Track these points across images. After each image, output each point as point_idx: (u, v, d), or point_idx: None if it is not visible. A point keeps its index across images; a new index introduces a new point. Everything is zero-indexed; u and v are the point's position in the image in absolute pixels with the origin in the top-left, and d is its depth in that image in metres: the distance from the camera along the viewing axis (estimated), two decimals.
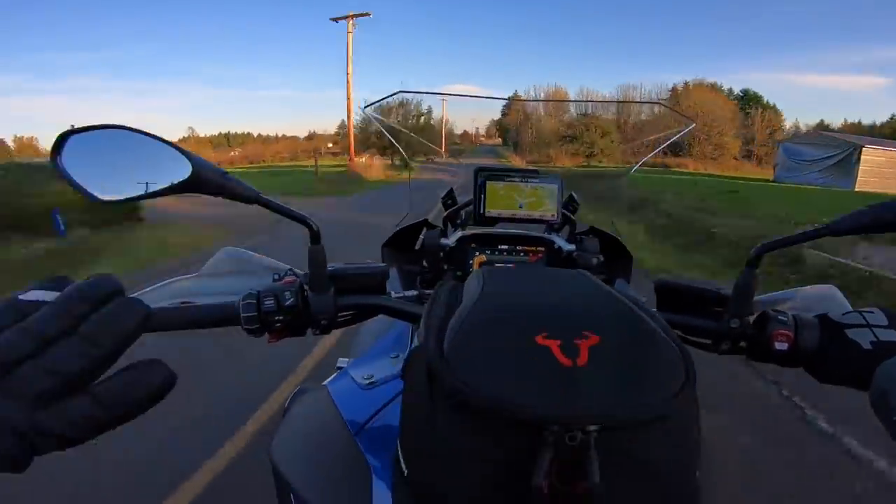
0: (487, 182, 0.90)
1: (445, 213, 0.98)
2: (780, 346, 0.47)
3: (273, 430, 0.55)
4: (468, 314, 0.33)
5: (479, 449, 0.28)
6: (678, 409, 0.28)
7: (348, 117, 19.48)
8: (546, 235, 0.94)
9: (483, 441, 0.28)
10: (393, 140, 1.20)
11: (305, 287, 0.52)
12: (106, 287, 0.24)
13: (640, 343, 0.31)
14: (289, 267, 0.57)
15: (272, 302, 0.49)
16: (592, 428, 0.26)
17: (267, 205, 0.48)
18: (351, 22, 20.54)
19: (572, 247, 0.91)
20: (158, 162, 0.45)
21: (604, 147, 38.09)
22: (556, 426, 0.26)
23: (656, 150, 1.55)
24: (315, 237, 0.51)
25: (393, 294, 0.59)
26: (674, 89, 44.00)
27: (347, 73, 18.28)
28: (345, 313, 0.56)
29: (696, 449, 0.31)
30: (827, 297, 0.56)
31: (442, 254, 0.91)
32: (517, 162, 37.05)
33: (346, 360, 0.85)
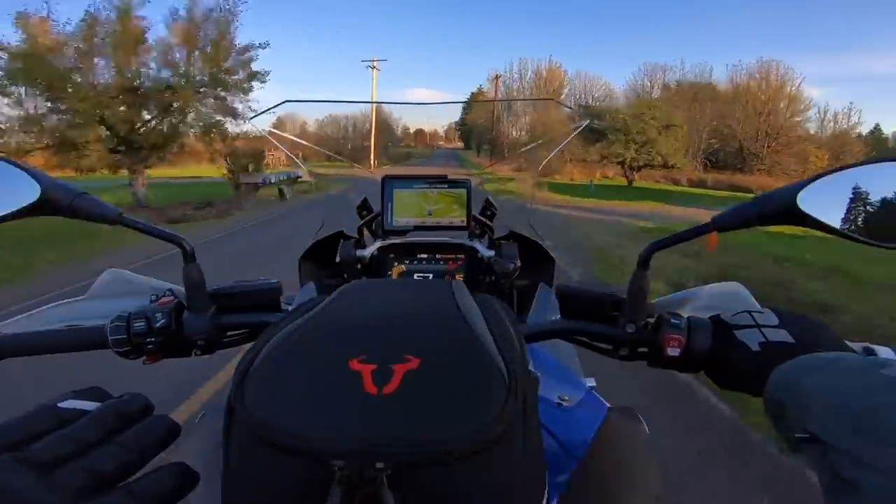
0: (395, 190, 0.89)
1: (360, 223, 0.95)
2: (673, 351, 0.46)
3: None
4: (285, 337, 0.32)
5: (272, 485, 0.26)
6: (495, 438, 0.26)
7: None
8: (466, 242, 0.92)
9: (276, 476, 0.26)
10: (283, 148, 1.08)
11: (185, 305, 0.52)
12: (138, 404, 0.29)
13: (463, 367, 0.29)
14: (168, 287, 0.56)
15: (143, 324, 0.49)
16: (380, 465, 0.24)
17: (132, 225, 0.48)
18: None
19: (491, 252, 0.89)
20: (4, 183, 0.43)
21: (668, 152, 21.89)
22: (341, 462, 0.24)
23: (557, 150, 1.35)
24: (188, 256, 0.50)
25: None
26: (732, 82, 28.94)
27: None
28: (235, 332, 0.55)
29: (522, 477, 0.29)
30: (731, 295, 0.53)
31: (360, 265, 0.88)
32: (502, 173, 21.40)
33: None
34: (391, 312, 0.35)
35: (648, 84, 29.25)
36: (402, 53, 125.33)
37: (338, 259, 0.89)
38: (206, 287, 0.52)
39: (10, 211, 0.43)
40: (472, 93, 62.42)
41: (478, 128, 45.64)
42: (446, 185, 0.90)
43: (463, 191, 0.90)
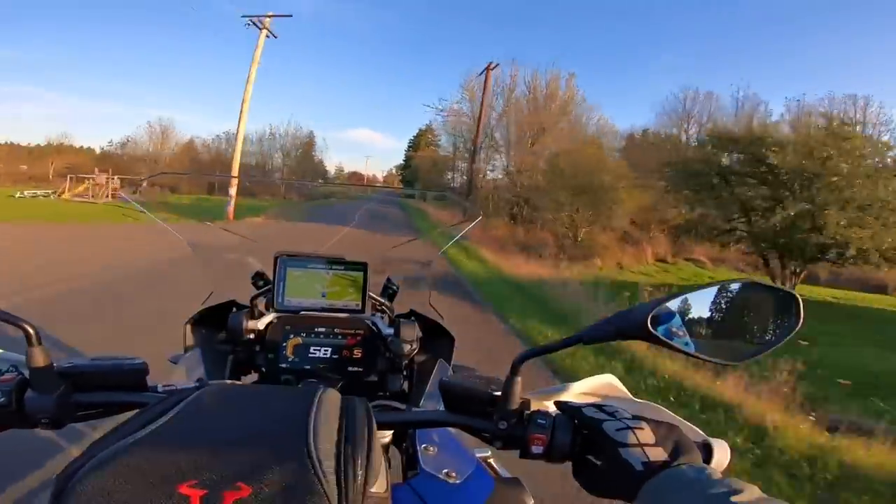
0: (288, 269, 0.87)
1: (254, 294, 0.92)
2: (537, 449, 0.50)
3: None
4: (117, 451, 0.31)
5: None
6: None
7: None
8: (366, 318, 0.89)
9: None
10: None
11: (29, 384, 0.50)
12: None
13: (293, 498, 0.30)
14: (13, 362, 0.56)
15: None
16: None
17: None
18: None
19: (391, 330, 0.87)
20: None
21: None
22: None
23: (456, 238, 1.37)
24: (32, 338, 0.49)
25: (161, 387, 0.57)
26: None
27: None
28: (91, 410, 0.54)
29: None
30: (604, 386, 0.57)
31: (253, 335, 0.85)
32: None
33: None
34: (236, 431, 0.35)
35: (686, 120, 19.36)
36: (341, 88, 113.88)
37: (227, 327, 0.85)
38: (53, 367, 0.51)
39: None
40: (420, 129, 51.96)
41: (425, 170, 34.22)
42: (343, 268, 0.89)
43: (359, 274, 0.89)
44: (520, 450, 0.51)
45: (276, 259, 0.87)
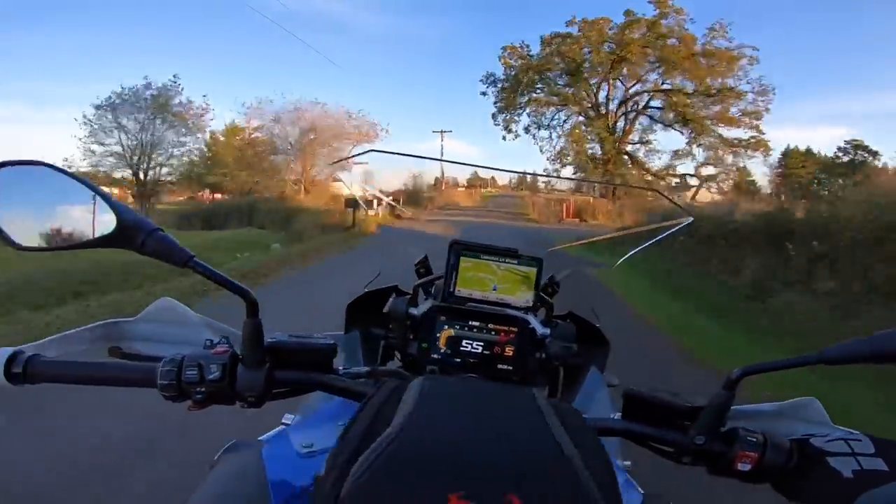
0: (462, 258, 0.86)
1: (417, 282, 0.92)
2: (744, 466, 0.48)
3: (194, 486, 0.52)
4: (381, 454, 0.31)
5: None
6: None
7: None
8: (522, 315, 0.86)
9: None
10: None
11: (240, 357, 0.50)
12: None
13: None
14: (225, 336, 0.54)
15: (195, 372, 0.48)
16: None
17: (200, 271, 0.47)
18: None
19: (547, 331, 0.84)
20: (83, 210, 0.44)
21: None
22: None
23: (647, 244, 1.11)
24: (252, 310, 0.49)
25: (341, 370, 0.58)
26: None
27: None
28: (283, 388, 0.54)
29: None
30: (806, 410, 0.55)
31: (409, 322, 0.85)
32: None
33: (293, 416, 0.75)
34: (483, 435, 0.35)
35: None
36: (422, 102, 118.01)
37: (385, 310, 0.84)
38: (263, 342, 0.50)
39: (87, 239, 0.45)
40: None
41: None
42: (516, 262, 0.86)
43: (533, 270, 0.85)
44: (714, 466, 0.50)
45: (450, 246, 0.86)
